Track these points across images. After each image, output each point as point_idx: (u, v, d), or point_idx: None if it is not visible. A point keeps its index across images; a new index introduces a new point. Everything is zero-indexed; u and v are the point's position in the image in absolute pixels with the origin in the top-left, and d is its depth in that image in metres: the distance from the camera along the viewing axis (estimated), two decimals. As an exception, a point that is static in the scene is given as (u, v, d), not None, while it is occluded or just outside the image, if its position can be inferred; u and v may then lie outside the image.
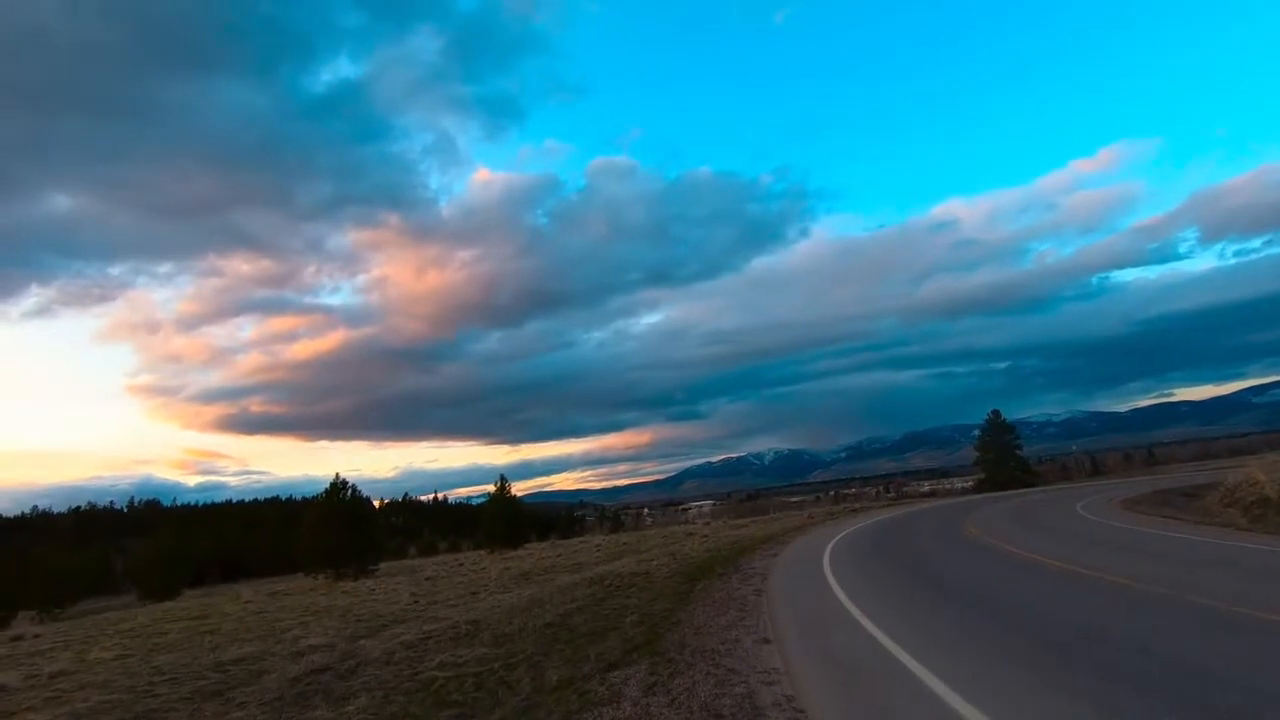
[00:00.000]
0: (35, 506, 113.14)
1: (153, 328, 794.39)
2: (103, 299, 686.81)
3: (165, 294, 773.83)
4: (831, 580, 11.90)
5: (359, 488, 37.37)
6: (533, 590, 16.71)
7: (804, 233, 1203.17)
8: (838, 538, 22.03)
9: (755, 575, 13.68)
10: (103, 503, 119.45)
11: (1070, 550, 13.31)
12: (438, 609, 15.57)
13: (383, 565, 43.44)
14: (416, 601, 17.72)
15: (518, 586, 18.69)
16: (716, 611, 9.69)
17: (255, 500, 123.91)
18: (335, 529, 34.93)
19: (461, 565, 33.73)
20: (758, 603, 10.24)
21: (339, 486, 36.80)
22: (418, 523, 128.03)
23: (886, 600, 9.66)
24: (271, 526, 68.30)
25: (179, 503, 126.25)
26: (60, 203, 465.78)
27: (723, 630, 8.26)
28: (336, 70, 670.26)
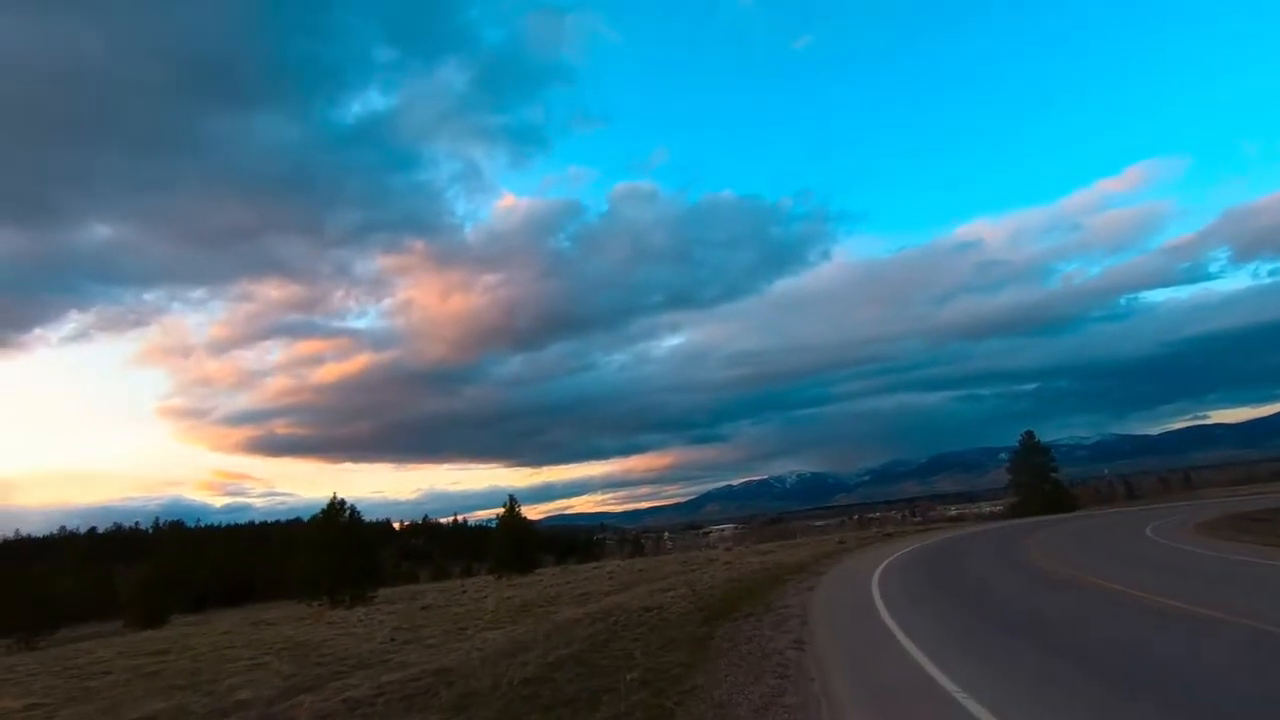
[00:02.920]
0: (63, 526, 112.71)
1: (185, 351, 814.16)
2: (138, 324, 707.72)
3: (198, 319, 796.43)
4: (896, 629, 8.88)
5: (378, 509, 35.75)
6: (526, 627, 14.41)
7: (826, 255, 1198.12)
8: (881, 567, 19.23)
9: (792, 617, 10.83)
10: (130, 523, 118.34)
11: (1220, 596, 9.76)
12: (411, 650, 13.36)
13: (385, 591, 41.40)
14: (393, 639, 15.59)
15: (512, 621, 16.44)
16: (746, 674, 7.01)
17: (277, 521, 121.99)
18: (331, 553, 32.76)
19: (464, 593, 31.71)
20: (802, 664, 7.36)
21: (336, 507, 34.67)
22: (434, 546, 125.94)
23: (989, 668, 6.59)
24: (277, 549, 66.22)
25: (203, 524, 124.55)
26: (101, 232, 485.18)
27: (758, 713, 5.63)
28: (367, 102, 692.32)
